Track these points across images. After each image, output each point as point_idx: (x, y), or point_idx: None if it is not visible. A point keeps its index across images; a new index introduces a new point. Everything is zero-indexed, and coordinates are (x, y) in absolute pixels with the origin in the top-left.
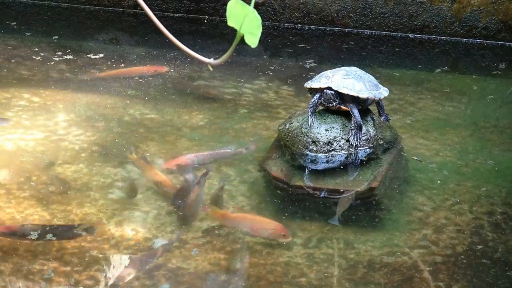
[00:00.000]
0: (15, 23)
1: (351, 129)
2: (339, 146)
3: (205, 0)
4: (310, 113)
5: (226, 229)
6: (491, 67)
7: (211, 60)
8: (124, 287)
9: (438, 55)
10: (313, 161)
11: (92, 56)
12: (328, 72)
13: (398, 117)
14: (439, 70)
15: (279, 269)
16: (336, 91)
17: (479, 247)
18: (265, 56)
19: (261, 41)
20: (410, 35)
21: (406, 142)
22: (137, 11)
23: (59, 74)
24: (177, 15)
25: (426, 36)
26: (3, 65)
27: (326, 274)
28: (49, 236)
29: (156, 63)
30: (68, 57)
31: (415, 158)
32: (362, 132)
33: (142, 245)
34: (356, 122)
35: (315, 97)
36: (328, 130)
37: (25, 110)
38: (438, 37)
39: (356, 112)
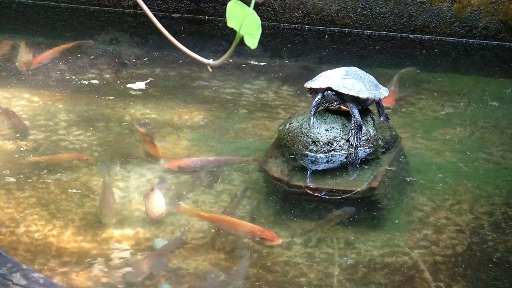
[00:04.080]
0: (15, 23)
1: (351, 129)
2: (339, 146)
3: (205, 0)
4: (312, 113)
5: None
6: (491, 68)
7: (210, 61)
8: (124, 287)
9: (438, 55)
10: (313, 161)
11: (92, 56)
12: (328, 72)
13: (397, 117)
14: (439, 70)
15: (279, 269)
16: (336, 91)
17: (479, 247)
18: (265, 56)
19: (261, 41)
20: (410, 35)
21: (406, 142)
22: (137, 11)
23: (59, 74)
24: (177, 15)
25: (426, 36)
26: (3, 65)
27: (326, 274)
28: None
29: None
30: (68, 57)
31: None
32: (362, 132)
33: (142, 245)
34: (356, 122)
35: (317, 97)
36: (328, 130)
37: (25, 110)
38: (438, 37)
39: (356, 112)
